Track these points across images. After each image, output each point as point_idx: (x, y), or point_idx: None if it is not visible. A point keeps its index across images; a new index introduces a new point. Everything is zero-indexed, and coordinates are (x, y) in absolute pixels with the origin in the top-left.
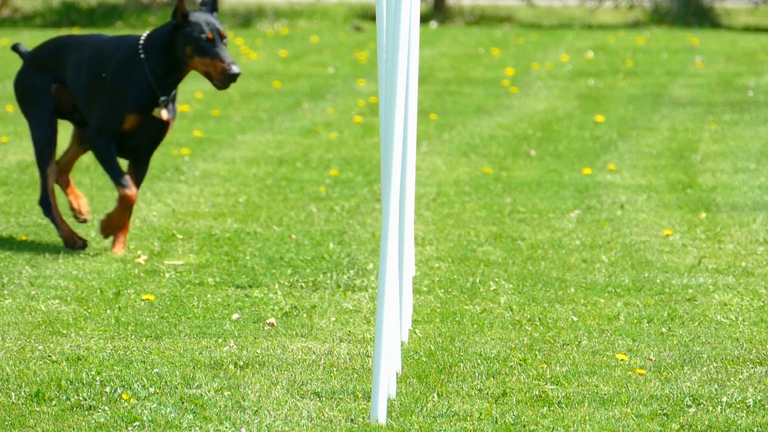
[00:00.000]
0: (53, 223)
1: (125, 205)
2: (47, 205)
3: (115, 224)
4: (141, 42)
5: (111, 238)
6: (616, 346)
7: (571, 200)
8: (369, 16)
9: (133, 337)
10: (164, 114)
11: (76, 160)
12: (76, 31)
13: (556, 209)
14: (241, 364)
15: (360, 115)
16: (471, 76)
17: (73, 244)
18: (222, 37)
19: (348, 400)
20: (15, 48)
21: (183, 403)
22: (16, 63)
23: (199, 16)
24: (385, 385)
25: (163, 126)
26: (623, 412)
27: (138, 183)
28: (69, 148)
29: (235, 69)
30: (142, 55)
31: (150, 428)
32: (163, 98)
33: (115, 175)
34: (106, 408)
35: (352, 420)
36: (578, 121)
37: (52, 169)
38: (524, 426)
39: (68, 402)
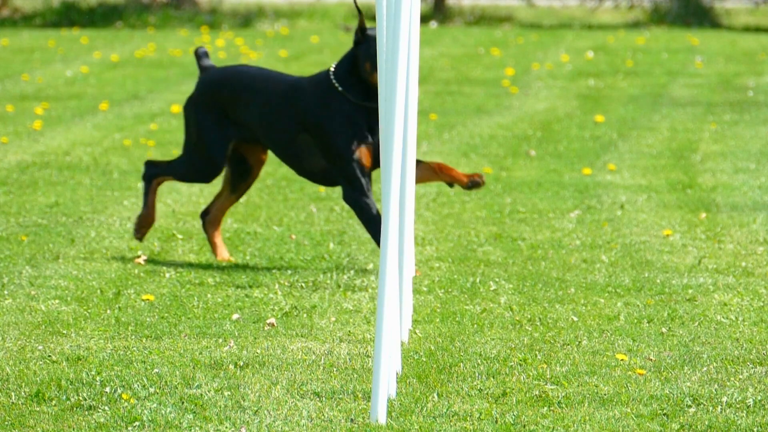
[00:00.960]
0: (144, 196)
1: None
2: (149, 180)
3: None
4: (331, 75)
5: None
6: (616, 346)
7: (571, 200)
8: (369, 16)
9: (133, 337)
10: None
11: (228, 209)
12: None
13: (556, 209)
14: (241, 364)
15: None
16: (471, 76)
17: (143, 229)
18: None
19: (348, 400)
20: (197, 52)
21: (183, 403)
22: (16, 63)
23: None
24: (385, 385)
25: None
26: (623, 412)
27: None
28: (220, 194)
29: None
30: (339, 88)
31: (150, 428)
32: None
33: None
34: (106, 408)
35: (352, 420)
36: (578, 121)
37: (158, 180)
38: (524, 426)
39: (68, 402)
